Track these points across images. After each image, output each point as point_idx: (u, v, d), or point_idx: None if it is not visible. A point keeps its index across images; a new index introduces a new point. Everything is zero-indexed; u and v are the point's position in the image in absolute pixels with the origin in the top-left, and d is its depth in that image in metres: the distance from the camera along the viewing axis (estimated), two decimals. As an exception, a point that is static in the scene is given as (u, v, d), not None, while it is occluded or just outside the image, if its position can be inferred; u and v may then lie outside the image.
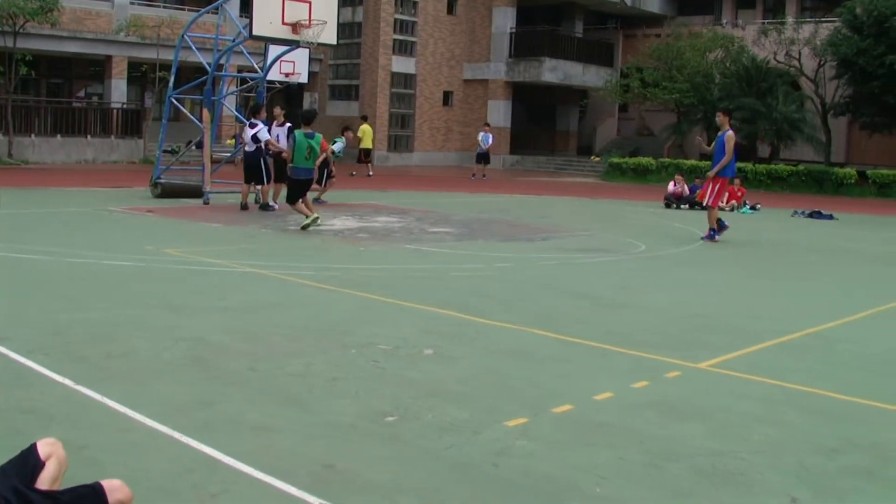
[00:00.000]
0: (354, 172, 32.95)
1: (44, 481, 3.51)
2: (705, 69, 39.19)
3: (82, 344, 7.12)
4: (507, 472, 4.87)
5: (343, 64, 43.04)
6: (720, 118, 16.91)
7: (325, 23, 17.84)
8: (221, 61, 21.50)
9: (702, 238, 16.91)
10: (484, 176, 35.45)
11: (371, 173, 33.03)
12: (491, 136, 36.71)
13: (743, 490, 4.80)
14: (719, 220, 17.04)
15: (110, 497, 3.47)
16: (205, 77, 20.59)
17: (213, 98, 21.08)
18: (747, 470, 5.06)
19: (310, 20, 17.67)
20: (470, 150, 41.76)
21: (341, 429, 5.44)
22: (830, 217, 23.18)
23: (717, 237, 16.76)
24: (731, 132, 16.46)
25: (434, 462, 4.98)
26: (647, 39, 44.60)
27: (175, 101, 21.55)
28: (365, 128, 34.42)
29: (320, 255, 12.93)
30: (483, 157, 36.09)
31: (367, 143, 34.03)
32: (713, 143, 16.96)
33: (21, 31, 30.21)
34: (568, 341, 8.05)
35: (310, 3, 17.71)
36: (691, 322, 9.32)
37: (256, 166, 18.34)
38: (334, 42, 18.99)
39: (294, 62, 25.12)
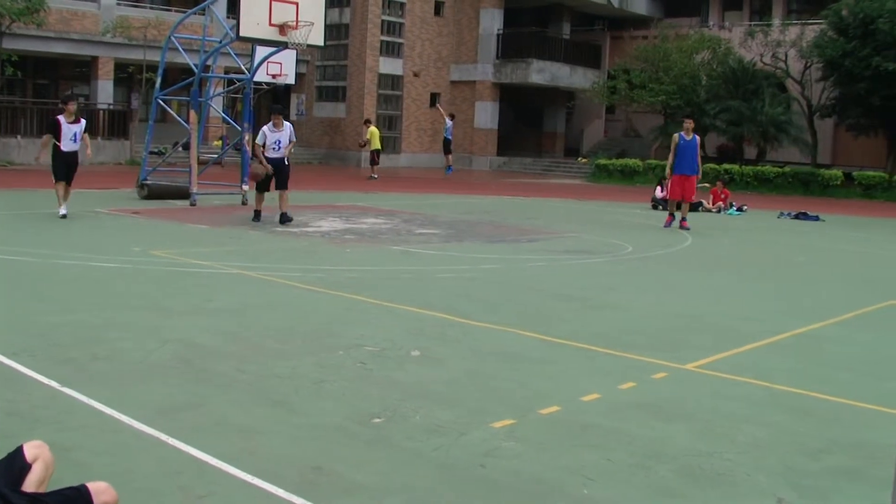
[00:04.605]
0: (375, 175, 32.90)
1: (30, 484, 3.50)
2: (692, 71, 39.28)
3: (69, 346, 7.10)
4: (494, 473, 4.88)
5: (330, 65, 43.01)
6: (691, 125, 19.54)
7: (313, 24, 17.84)
8: (208, 62, 21.48)
9: (684, 228, 19.03)
10: (449, 169, 35.41)
11: (376, 175, 32.99)
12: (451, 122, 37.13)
13: (729, 490, 4.82)
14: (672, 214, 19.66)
15: (96, 499, 3.46)
16: (192, 78, 20.56)
17: (199, 99, 21.05)
18: (733, 470, 5.08)
19: (297, 21, 17.66)
20: (456, 150, 41.73)
21: (328, 430, 5.44)
22: (817, 218, 23.28)
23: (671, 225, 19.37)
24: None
25: (421, 463, 4.99)
26: (634, 41, 44.67)
27: (162, 103, 21.52)
28: (373, 129, 34.58)
29: (307, 256, 12.92)
30: (448, 146, 36.46)
31: (376, 144, 34.16)
32: (676, 147, 19.15)
33: (7, 31, 30.10)
34: (555, 342, 8.06)
35: (297, 4, 17.70)
36: (678, 323, 9.34)
37: None
38: (321, 43, 18.97)
39: (281, 63, 25.12)
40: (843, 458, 5.41)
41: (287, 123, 16.93)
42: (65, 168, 15.91)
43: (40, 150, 15.81)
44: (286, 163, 16.82)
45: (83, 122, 16.23)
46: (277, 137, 16.57)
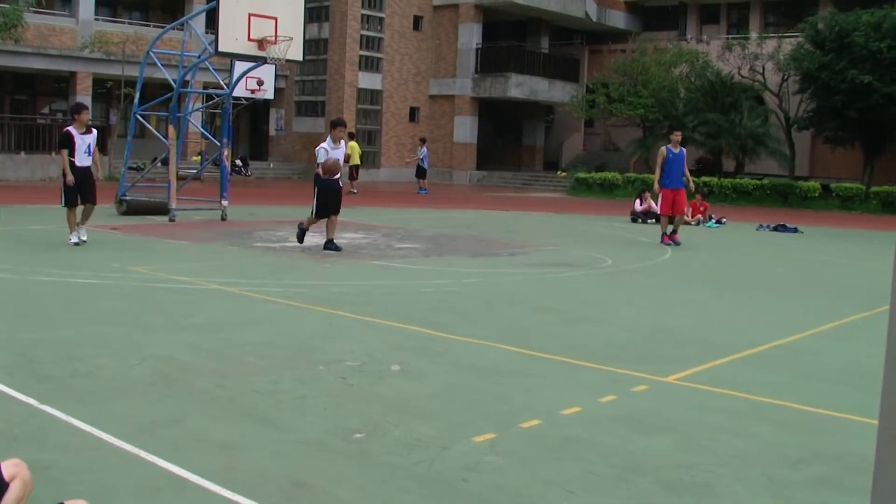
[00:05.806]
0: (354, 190, 32.59)
1: (8, 503, 3.47)
2: (670, 84, 39.53)
3: (47, 363, 7.05)
4: (476, 487, 4.87)
5: (309, 80, 43.06)
6: (679, 137, 19.06)
7: (292, 39, 17.85)
8: (187, 78, 21.43)
9: (675, 242, 18.61)
10: (424, 190, 35.47)
11: (355, 190, 32.67)
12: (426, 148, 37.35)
13: (710, 502, 4.82)
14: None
15: (75, 517, 3.44)
16: (170, 93, 20.52)
17: (178, 114, 21.00)
18: (714, 482, 5.09)
19: (276, 36, 17.67)
20: (436, 165, 41.88)
21: (309, 446, 5.42)
22: (795, 230, 23.41)
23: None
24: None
25: (402, 478, 4.97)
26: (613, 55, 44.91)
27: (140, 118, 21.47)
28: (353, 144, 34.22)
29: (287, 271, 12.89)
30: (422, 172, 36.61)
31: (356, 160, 33.85)
32: (664, 161, 18.59)
33: (-16, 47, 30.01)
34: (535, 356, 8.06)
35: (276, 19, 17.72)
36: (658, 336, 9.36)
37: None
38: (300, 58, 18.98)
39: (260, 79, 25.14)
40: (823, 469, 5.43)
41: (342, 140, 15.38)
42: (79, 189, 14.28)
43: (65, 171, 14.20)
44: (340, 185, 15.49)
45: (95, 132, 14.80)
46: (337, 155, 15.03)
